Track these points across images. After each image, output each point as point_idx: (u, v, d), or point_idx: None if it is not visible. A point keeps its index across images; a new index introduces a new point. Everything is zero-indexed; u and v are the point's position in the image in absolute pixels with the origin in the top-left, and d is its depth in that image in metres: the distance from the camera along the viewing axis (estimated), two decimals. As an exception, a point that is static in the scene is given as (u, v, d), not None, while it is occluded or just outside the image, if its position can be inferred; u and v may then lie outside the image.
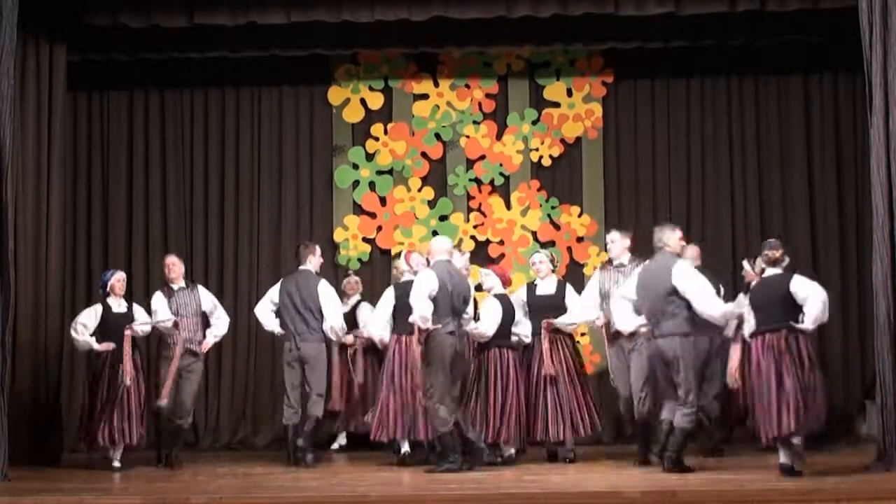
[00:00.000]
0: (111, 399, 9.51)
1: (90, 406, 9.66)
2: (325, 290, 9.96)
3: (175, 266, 10.09)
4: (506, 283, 9.82)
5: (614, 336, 9.65)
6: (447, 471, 8.87)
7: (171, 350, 9.81)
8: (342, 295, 10.93)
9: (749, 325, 8.53)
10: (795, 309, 8.31)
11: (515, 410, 9.43)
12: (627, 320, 9.11)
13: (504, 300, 9.63)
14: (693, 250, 10.57)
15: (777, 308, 8.32)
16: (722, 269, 10.90)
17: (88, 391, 9.77)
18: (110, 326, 9.67)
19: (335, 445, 11.08)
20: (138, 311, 9.90)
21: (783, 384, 8.14)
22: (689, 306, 8.66)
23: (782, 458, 8.31)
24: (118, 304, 9.81)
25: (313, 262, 10.14)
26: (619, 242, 9.80)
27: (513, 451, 9.59)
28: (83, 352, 9.91)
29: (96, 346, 9.64)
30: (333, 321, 9.88)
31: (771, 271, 8.52)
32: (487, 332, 9.49)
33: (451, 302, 9.12)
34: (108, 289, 9.80)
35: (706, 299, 8.69)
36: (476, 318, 9.65)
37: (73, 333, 9.73)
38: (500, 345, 9.51)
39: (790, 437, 8.20)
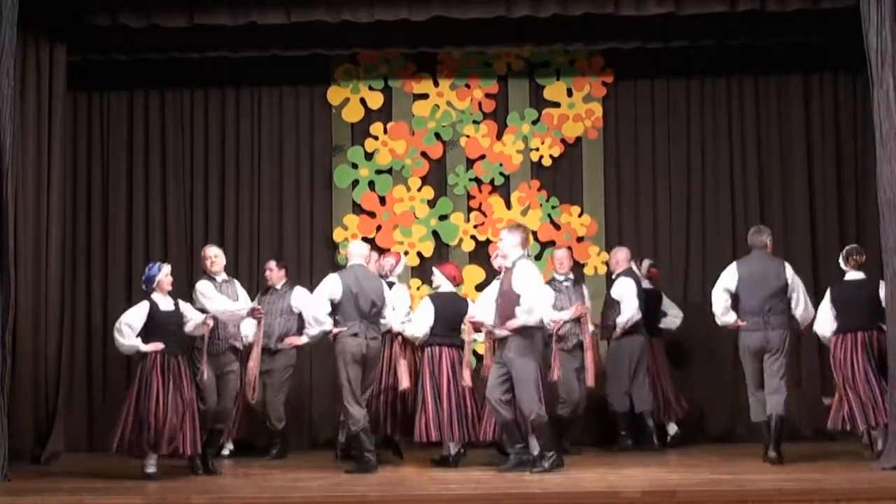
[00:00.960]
0: (167, 405, 8.72)
1: (136, 412, 8.74)
2: (393, 293, 9.86)
3: (219, 258, 9.52)
4: (455, 281, 9.83)
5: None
6: (360, 471, 8.98)
7: (215, 346, 9.22)
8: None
9: (828, 325, 9.25)
10: (879, 310, 8.97)
11: (452, 408, 9.35)
12: (730, 312, 9.38)
13: (439, 299, 9.61)
14: (624, 252, 10.68)
15: (865, 309, 9.12)
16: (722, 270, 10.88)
17: (136, 396, 8.78)
18: (158, 326, 8.88)
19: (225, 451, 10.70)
20: (185, 307, 9.13)
21: (880, 376, 8.93)
22: (789, 303, 9.25)
23: (881, 444, 8.89)
24: (165, 302, 9.01)
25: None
26: (564, 260, 10.25)
27: (456, 449, 9.47)
28: (129, 354, 9.16)
29: (144, 347, 8.83)
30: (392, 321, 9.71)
31: (855, 275, 9.32)
32: (416, 334, 9.54)
33: (357, 305, 9.22)
34: (153, 285, 9.01)
35: (807, 302, 9.31)
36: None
37: (117, 336, 8.88)
38: (435, 343, 9.50)
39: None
